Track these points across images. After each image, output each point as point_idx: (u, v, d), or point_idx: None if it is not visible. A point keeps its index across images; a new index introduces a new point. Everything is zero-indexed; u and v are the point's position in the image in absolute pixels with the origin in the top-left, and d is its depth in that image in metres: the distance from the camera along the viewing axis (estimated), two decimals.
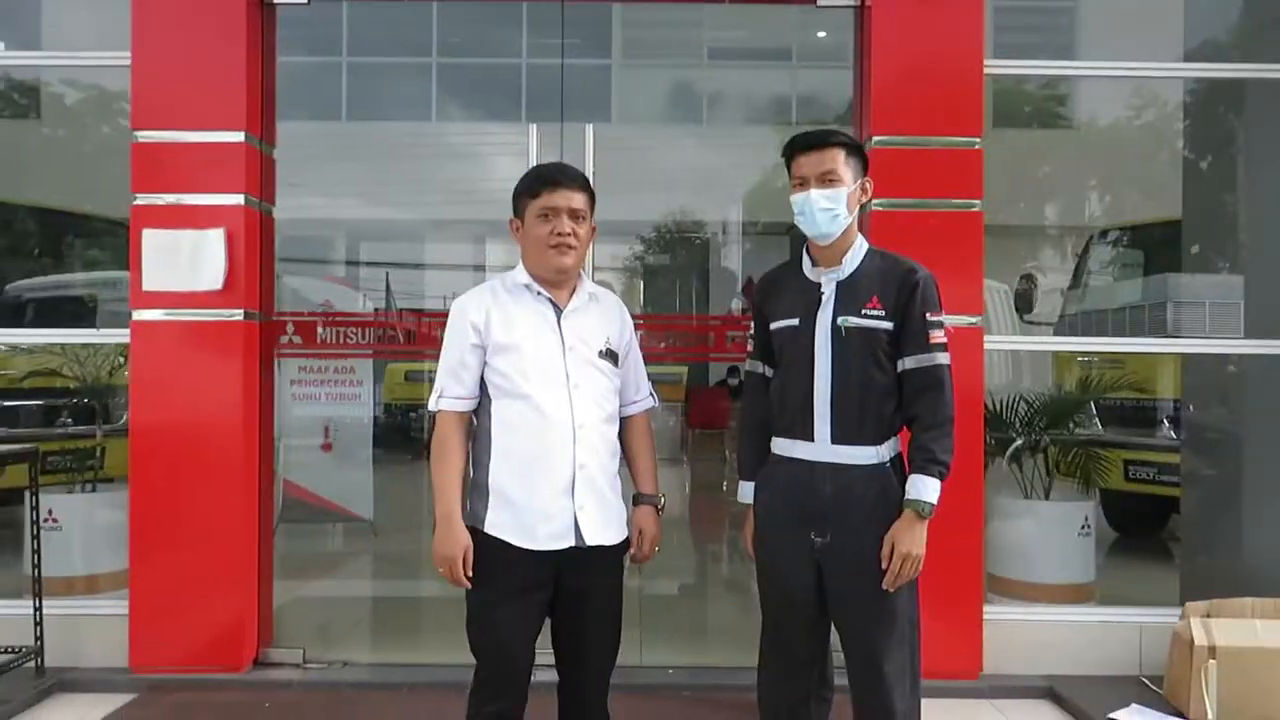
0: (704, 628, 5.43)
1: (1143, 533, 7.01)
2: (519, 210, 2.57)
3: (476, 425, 2.54)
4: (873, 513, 2.42)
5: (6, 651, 3.91)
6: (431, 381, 2.56)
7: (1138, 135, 8.62)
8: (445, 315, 2.59)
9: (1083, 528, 4.89)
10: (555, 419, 2.43)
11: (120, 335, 4.13)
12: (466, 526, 2.42)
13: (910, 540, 2.36)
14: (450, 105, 12.52)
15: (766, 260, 5.87)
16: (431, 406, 2.51)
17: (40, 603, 3.99)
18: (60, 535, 4.41)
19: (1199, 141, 5.39)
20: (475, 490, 2.48)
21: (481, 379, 2.50)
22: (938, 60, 4.12)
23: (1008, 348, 6.26)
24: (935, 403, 2.44)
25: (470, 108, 12.14)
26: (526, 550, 2.41)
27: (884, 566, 2.38)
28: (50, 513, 4.35)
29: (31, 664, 3.96)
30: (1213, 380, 5.14)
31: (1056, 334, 7.31)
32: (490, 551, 2.41)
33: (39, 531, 4.02)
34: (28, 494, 4.04)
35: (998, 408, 5.19)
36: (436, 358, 2.57)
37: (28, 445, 4.11)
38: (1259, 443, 4.55)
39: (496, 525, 2.42)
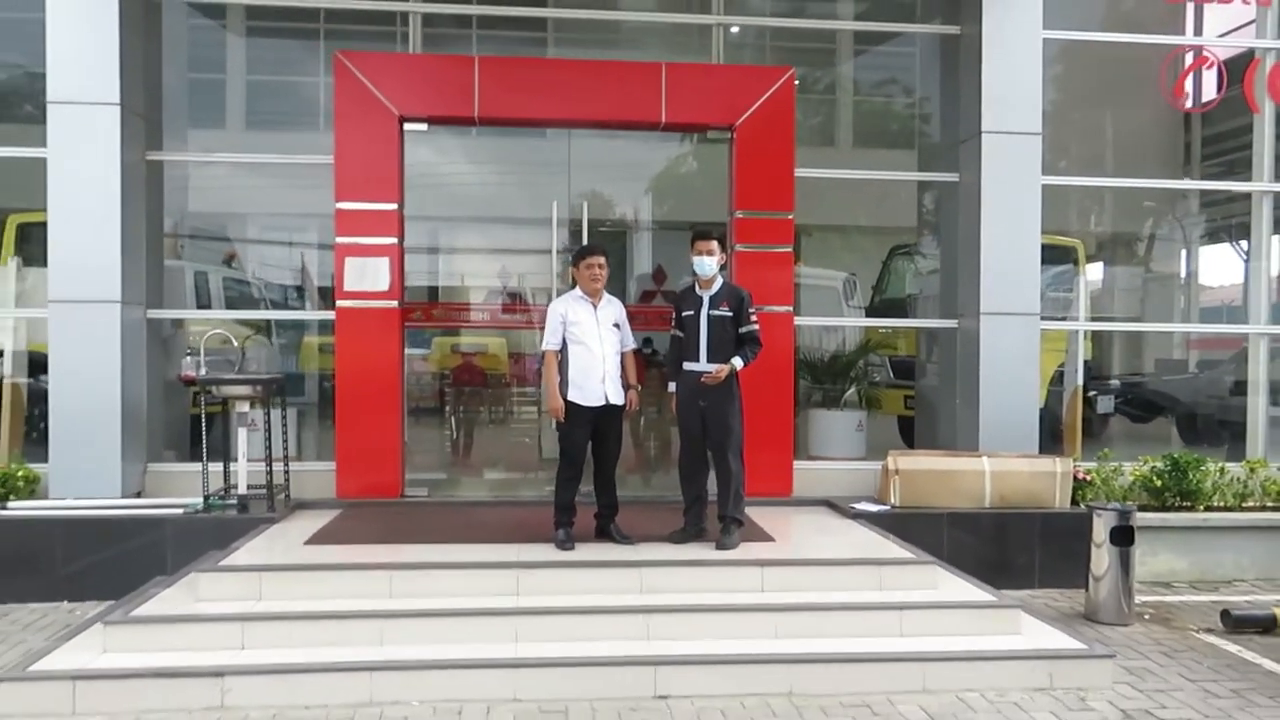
0: (646, 484, 8.92)
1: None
2: (575, 263, 6.05)
3: (561, 356, 6.00)
4: (722, 391, 5.98)
5: (273, 487, 7.19)
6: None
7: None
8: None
9: (858, 426, 8.66)
10: (595, 353, 5.93)
11: (328, 315, 7.46)
12: (561, 396, 5.91)
13: (720, 370, 5.88)
14: None
15: (675, 248, 8.99)
16: (542, 347, 6.01)
17: (287, 464, 7.30)
18: (257, 435, 7.64)
19: (923, 204, 9.15)
20: (564, 382, 5.96)
21: (563, 337, 5.98)
22: (769, 167, 7.68)
23: (825, 324, 9.83)
24: (752, 344, 6.03)
25: None
26: (586, 405, 5.91)
27: (715, 373, 5.90)
28: (253, 420, 7.59)
29: (284, 495, 7.27)
30: (926, 343, 8.94)
31: (866, 315, 11.00)
32: (571, 406, 5.91)
33: (286, 427, 7.31)
34: (274, 410, 7.29)
35: (810, 360, 8.94)
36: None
37: (277, 375, 7.38)
38: (942, 378, 8.34)
39: (574, 396, 5.91)
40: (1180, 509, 7.55)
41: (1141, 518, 7.32)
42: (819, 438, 8.64)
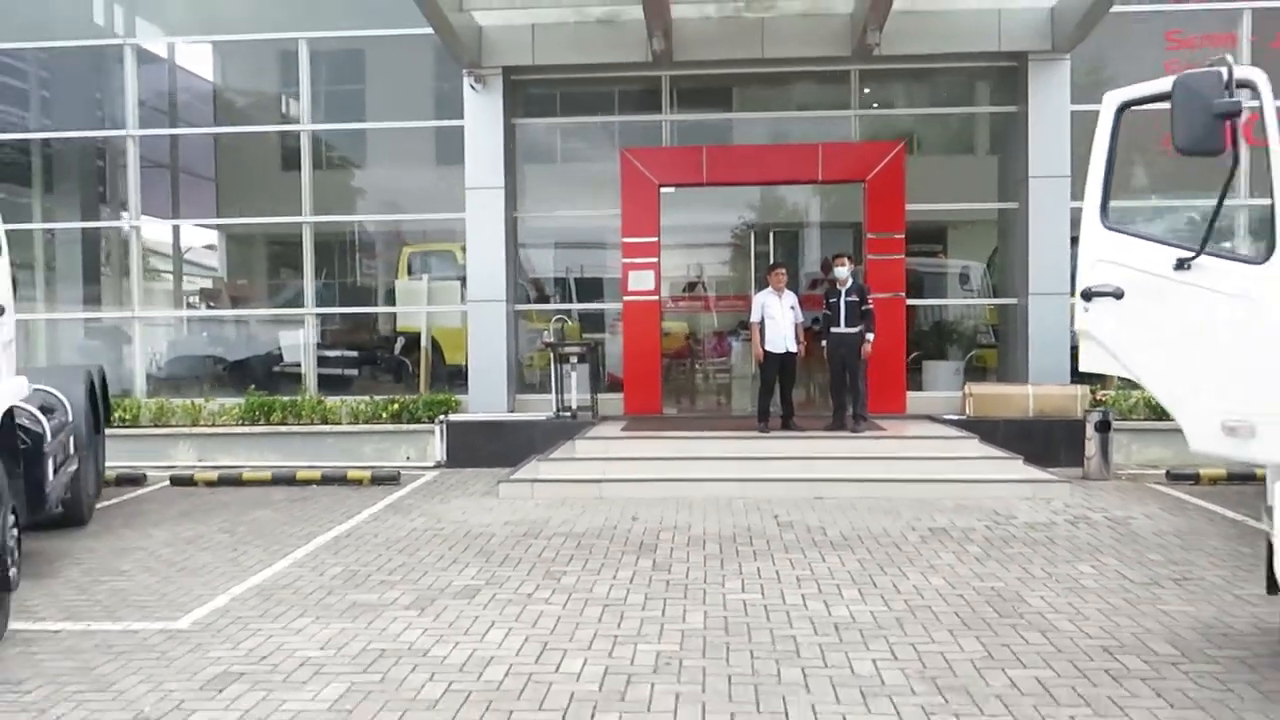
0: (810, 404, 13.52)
1: None
2: (769, 272, 10.81)
3: (761, 325, 10.70)
4: (854, 344, 10.54)
5: (588, 408, 12.17)
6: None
7: None
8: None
9: (956, 371, 12.99)
10: (780, 322, 10.66)
11: (616, 305, 12.50)
12: (760, 347, 10.65)
13: (866, 346, 10.48)
14: None
15: (837, 244, 13.43)
16: (751, 320, 10.78)
17: (597, 396, 12.31)
18: (581, 375, 12.62)
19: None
20: (762, 339, 10.68)
21: (761, 315, 10.70)
22: (888, 206, 12.07)
23: (924, 304, 14.10)
24: (870, 318, 10.59)
25: None
26: (775, 352, 10.65)
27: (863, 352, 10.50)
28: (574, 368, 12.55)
29: (595, 411, 12.27)
30: (1007, 315, 13.13)
31: (979, 298, 15.07)
32: (767, 354, 10.65)
33: (598, 372, 12.30)
34: (590, 364, 12.31)
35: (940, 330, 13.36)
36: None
37: (590, 341, 12.40)
38: (1013, 338, 12.53)
39: (768, 347, 10.65)
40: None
41: (1141, 424, 11.42)
42: (930, 378, 12.98)
